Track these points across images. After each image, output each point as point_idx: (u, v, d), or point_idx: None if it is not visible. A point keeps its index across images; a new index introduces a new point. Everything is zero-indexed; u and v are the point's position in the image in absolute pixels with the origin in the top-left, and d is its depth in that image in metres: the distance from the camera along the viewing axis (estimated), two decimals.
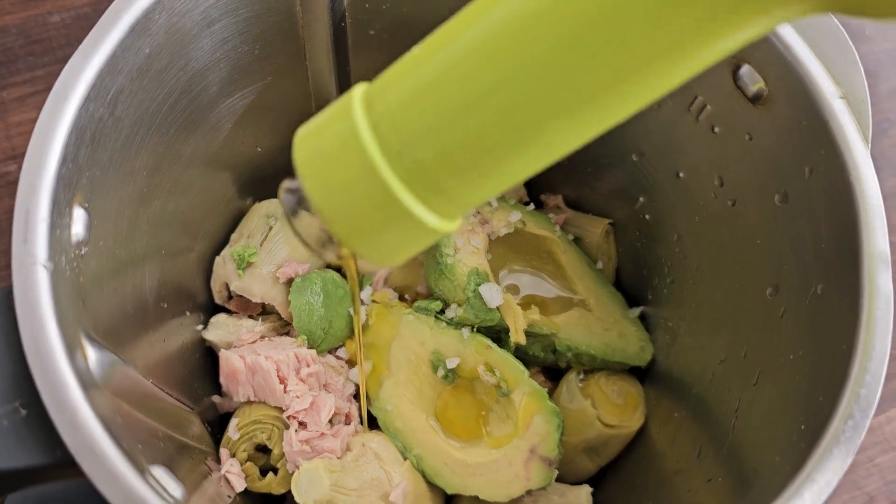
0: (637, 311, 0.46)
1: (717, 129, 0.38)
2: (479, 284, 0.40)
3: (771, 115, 0.35)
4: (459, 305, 0.41)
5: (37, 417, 0.26)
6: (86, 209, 0.30)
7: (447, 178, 0.22)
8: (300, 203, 0.25)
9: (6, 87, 0.55)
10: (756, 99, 0.35)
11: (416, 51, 0.22)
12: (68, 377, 0.25)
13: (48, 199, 0.28)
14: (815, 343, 0.32)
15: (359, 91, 0.23)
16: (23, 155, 0.53)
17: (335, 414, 0.40)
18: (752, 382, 0.36)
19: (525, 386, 0.40)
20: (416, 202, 0.22)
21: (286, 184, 0.25)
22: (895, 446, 0.55)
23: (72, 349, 0.26)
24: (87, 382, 0.26)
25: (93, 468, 0.24)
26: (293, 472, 0.38)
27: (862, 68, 0.33)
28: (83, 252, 0.30)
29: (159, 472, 0.27)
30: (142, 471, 0.25)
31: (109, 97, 0.31)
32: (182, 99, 0.35)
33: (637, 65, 0.19)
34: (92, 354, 0.28)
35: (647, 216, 0.45)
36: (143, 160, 0.34)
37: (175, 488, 0.27)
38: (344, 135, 0.22)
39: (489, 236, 0.43)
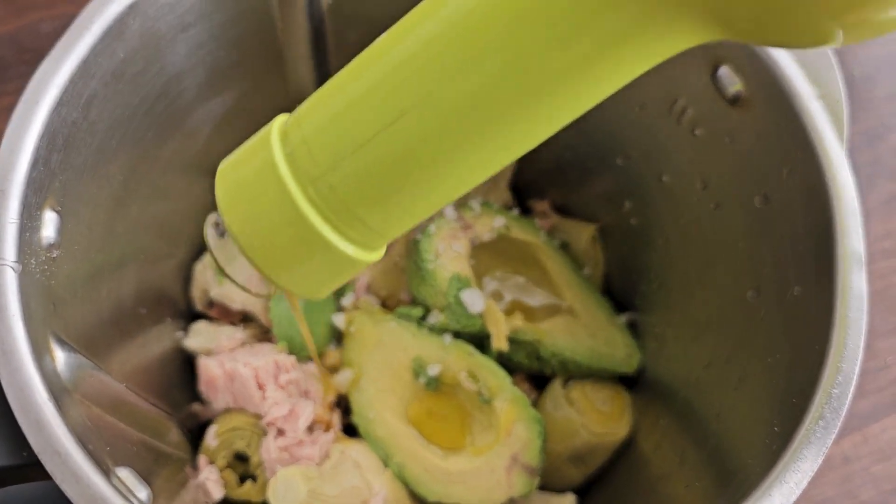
0: (624, 317, 0.45)
1: (697, 132, 0.38)
2: (461, 290, 0.40)
3: (750, 117, 0.35)
4: (441, 311, 0.41)
5: (4, 419, 0.26)
6: (58, 213, 0.30)
7: (360, 206, 0.22)
8: (223, 237, 0.25)
9: None
10: (735, 100, 0.35)
11: (331, 81, 0.23)
12: (34, 379, 0.25)
13: (17, 202, 0.27)
14: (791, 345, 0.31)
15: (278, 122, 0.24)
16: None
17: (315, 422, 0.39)
18: (733, 387, 0.35)
19: (507, 393, 0.39)
20: (333, 231, 0.22)
21: (211, 218, 0.26)
22: (889, 455, 0.55)
23: (40, 352, 0.26)
24: (54, 385, 0.26)
25: (56, 469, 0.24)
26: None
27: (838, 68, 0.33)
28: (55, 255, 0.29)
29: (124, 474, 0.27)
30: (107, 472, 0.25)
31: (83, 101, 0.31)
32: (158, 104, 0.35)
33: (541, 88, 0.19)
34: (61, 358, 0.28)
35: (633, 221, 0.45)
36: (118, 165, 0.34)
37: (141, 490, 0.27)
38: (260, 165, 0.23)
39: (472, 241, 0.42)
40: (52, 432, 0.25)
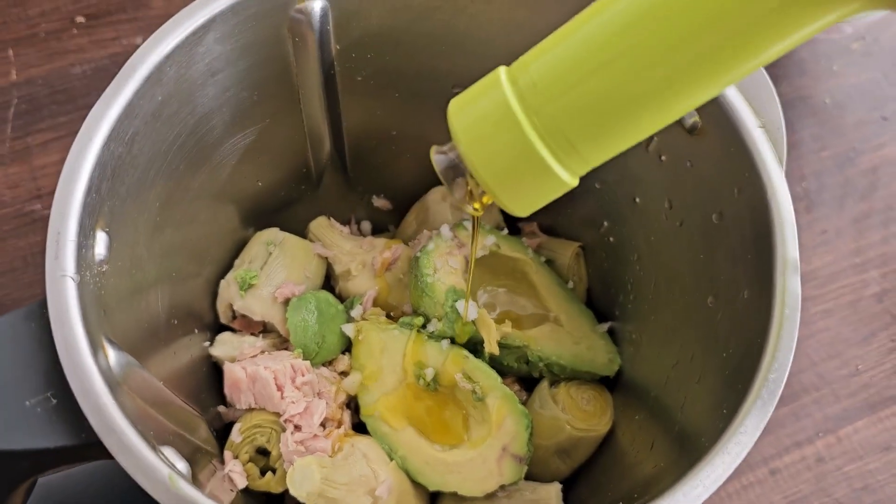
0: (605, 326, 0.50)
1: (663, 158, 0.43)
2: (456, 300, 0.45)
3: (706, 144, 0.40)
4: (439, 320, 0.45)
5: (65, 406, 0.31)
6: (107, 233, 0.35)
7: (574, 132, 0.27)
8: (451, 163, 0.31)
9: (32, 132, 0.61)
10: (692, 130, 0.40)
11: (553, 34, 0.28)
12: (92, 370, 0.30)
13: (76, 223, 0.33)
14: (741, 341, 0.36)
15: (502, 68, 0.29)
16: (48, 195, 0.59)
17: (327, 419, 0.44)
18: (695, 381, 0.40)
19: (498, 391, 0.44)
20: (548, 152, 0.28)
21: (435, 148, 0.32)
22: (861, 455, 0.59)
23: (95, 349, 0.31)
24: (108, 377, 0.31)
25: (114, 444, 0.29)
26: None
27: (778, 101, 0.38)
28: (104, 269, 0.35)
29: (168, 451, 0.31)
30: (153, 448, 0.30)
31: (127, 138, 0.36)
32: (190, 140, 0.40)
33: (733, 36, 0.25)
34: (112, 355, 0.33)
35: (611, 239, 0.50)
36: (156, 193, 0.39)
37: (182, 466, 0.31)
38: (492, 98, 0.28)
39: (466, 258, 0.47)
40: (108, 413, 0.29)
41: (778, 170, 0.37)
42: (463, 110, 0.29)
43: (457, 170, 0.31)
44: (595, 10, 0.27)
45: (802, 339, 0.62)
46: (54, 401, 0.31)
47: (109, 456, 0.30)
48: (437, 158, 0.31)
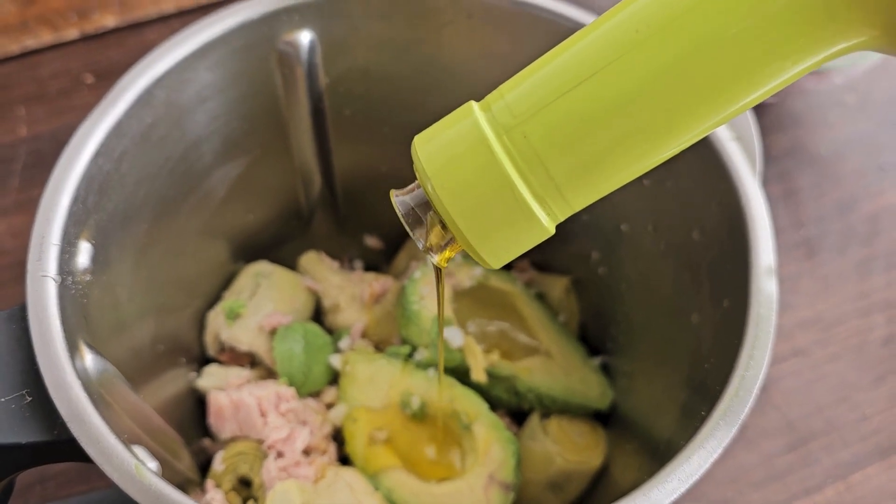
0: (598, 360, 0.50)
1: (645, 182, 0.43)
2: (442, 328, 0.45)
3: (684, 162, 0.40)
4: (426, 348, 0.45)
5: (40, 403, 0.31)
6: (92, 244, 0.36)
7: (548, 155, 0.24)
8: (415, 203, 0.27)
9: (38, 185, 0.63)
10: None
11: (533, 63, 0.26)
12: (66, 363, 0.30)
13: (60, 229, 0.33)
14: (721, 349, 0.36)
15: (472, 102, 0.26)
16: None
17: (312, 448, 0.43)
18: (681, 403, 0.39)
19: (484, 418, 0.43)
20: (523, 183, 0.24)
21: (394, 192, 0.28)
22: (872, 503, 0.57)
23: (73, 349, 0.32)
24: (83, 375, 0.31)
25: (82, 433, 0.29)
26: None
27: (749, 115, 0.39)
28: (88, 279, 0.35)
29: (139, 450, 0.31)
30: (124, 444, 0.30)
31: (116, 155, 0.37)
32: (179, 165, 0.42)
33: (737, 74, 0.23)
34: (90, 358, 0.33)
35: (600, 270, 0.50)
36: (144, 216, 0.40)
37: (153, 465, 0.31)
38: (462, 126, 0.25)
39: (454, 287, 0.48)
40: (79, 404, 0.29)
41: (751, 178, 0.37)
42: (429, 142, 0.26)
43: (421, 212, 0.28)
44: (573, 40, 0.25)
45: (809, 383, 0.60)
46: (29, 398, 0.31)
47: (83, 455, 0.30)
48: (399, 201, 0.28)
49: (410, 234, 0.28)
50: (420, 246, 0.28)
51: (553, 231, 0.26)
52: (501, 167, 0.24)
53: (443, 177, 0.25)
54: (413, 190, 0.28)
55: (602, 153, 0.24)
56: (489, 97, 0.26)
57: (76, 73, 0.70)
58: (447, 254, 0.29)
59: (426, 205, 0.27)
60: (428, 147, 0.26)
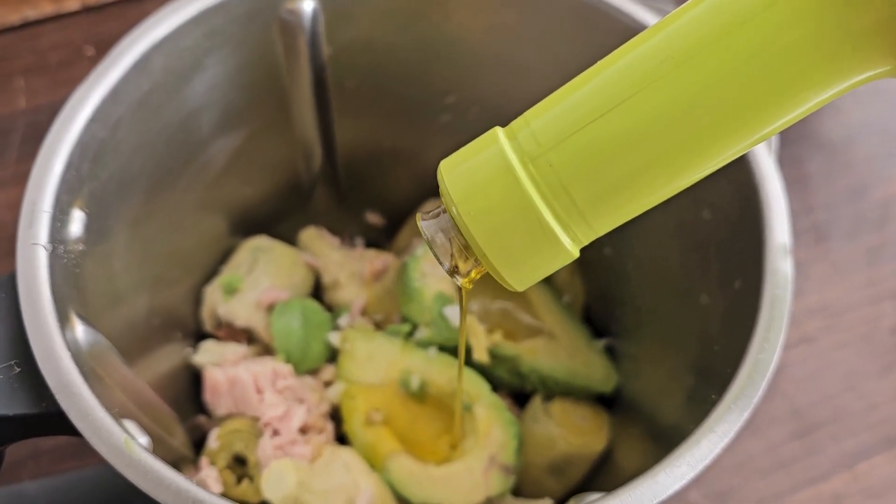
0: (602, 342, 0.49)
1: None
2: (444, 306, 0.44)
3: None
4: (426, 326, 0.44)
5: (28, 374, 0.30)
6: (86, 213, 0.35)
7: (573, 184, 0.24)
8: (440, 227, 0.28)
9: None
10: None
11: (561, 88, 0.26)
12: (56, 333, 0.29)
13: (52, 196, 0.32)
14: (732, 331, 0.35)
15: (499, 128, 0.26)
16: None
17: (309, 426, 0.42)
18: (690, 385, 0.38)
19: (485, 399, 0.42)
20: (549, 211, 0.24)
21: (420, 214, 0.29)
22: (880, 492, 0.56)
23: (63, 319, 0.31)
24: (73, 346, 0.30)
25: (70, 406, 0.28)
26: None
27: None
28: (80, 248, 0.34)
29: (130, 425, 0.30)
30: (114, 418, 0.29)
31: (112, 122, 0.36)
32: (177, 135, 0.41)
33: (749, 101, 0.23)
34: (81, 329, 0.32)
35: (606, 250, 0.49)
36: (140, 185, 0.39)
37: (144, 441, 0.30)
38: (487, 153, 0.25)
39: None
40: (68, 375, 0.28)
41: (766, 155, 0.36)
42: (455, 169, 0.26)
43: (446, 236, 0.28)
44: (598, 68, 0.25)
45: (816, 371, 0.59)
46: (18, 369, 0.30)
47: (72, 429, 0.29)
48: (425, 224, 0.28)
49: (436, 257, 0.28)
50: (445, 268, 0.28)
51: (577, 255, 0.26)
52: (526, 195, 0.24)
53: (468, 203, 0.25)
54: (438, 214, 0.28)
55: (625, 180, 0.24)
56: (514, 124, 0.26)
57: (77, 45, 0.69)
58: (472, 276, 0.29)
59: (451, 229, 0.27)
60: (454, 173, 0.26)
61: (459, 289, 0.34)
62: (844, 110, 0.72)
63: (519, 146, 0.25)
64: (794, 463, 0.56)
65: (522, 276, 0.26)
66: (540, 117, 0.25)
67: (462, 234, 0.26)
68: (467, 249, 0.27)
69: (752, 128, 0.24)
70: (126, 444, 0.27)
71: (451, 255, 0.28)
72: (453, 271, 0.28)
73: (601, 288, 0.50)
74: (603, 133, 0.24)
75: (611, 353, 0.49)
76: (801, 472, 0.56)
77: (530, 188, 0.24)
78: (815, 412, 0.58)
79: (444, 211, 0.27)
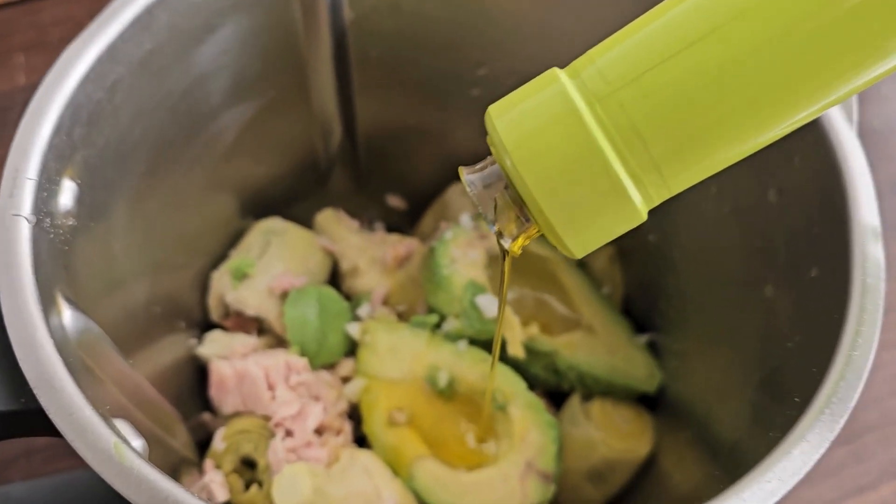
0: (644, 337, 0.45)
1: None
2: (476, 295, 0.40)
3: None
4: (456, 318, 0.40)
5: (4, 365, 0.26)
6: (77, 184, 0.31)
7: (647, 127, 0.21)
8: (490, 181, 0.24)
9: None
10: None
11: (625, 27, 0.22)
12: (37, 318, 0.26)
13: (38, 162, 0.29)
14: (812, 326, 0.31)
15: (555, 69, 0.23)
16: None
17: (324, 427, 0.39)
18: (752, 386, 0.34)
19: (521, 398, 0.38)
20: (615, 155, 0.21)
21: (464, 168, 0.25)
22: None
23: (47, 302, 0.27)
24: (57, 334, 0.26)
25: (51, 403, 0.24)
26: None
27: None
28: (70, 223, 0.30)
29: (122, 424, 0.26)
30: (103, 417, 0.25)
31: (108, 84, 0.32)
32: (182, 102, 0.37)
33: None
34: (68, 315, 0.28)
35: (651, 237, 0.45)
36: (140, 156, 0.35)
37: (138, 444, 0.26)
38: (547, 94, 0.22)
39: (488, 252, 0.43)
40: (50, 368, 0.25)
41: (847, 128, 0.32)
42: (507, 113, 0.23)
43: (495, 192, 0.24)
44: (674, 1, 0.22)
45: None
46: None
47: (53, 430, 0.25)
48: (469, 179, 0.24)
49: (483, 216, 0.25)
50: (492, 230, 0.25)
51: (646, 217, 0.23)
52: (594, 141, 0.21)
53: (524, 151, 0.22)
54: (486, 167, 0.24)
55: (710, 127, 0.21)
56: (576, 63, 0.22)
57: (79, 20, 0.65)
58: (521, 241, 0.25)
59: (501, 183, 0.24)
60: (506, 118, 0.22)
61: (503, 260, 0.30)
62: (887, 98, 0.68)
63: (583, 84, 0.21)
64: (841, 469, 0.53)
65: (584, 238, 0.23)
66: (607, 53, 0.22)
67: (515, 188, 0.23)
68: (519, 207, 0.23)
69: (849, 73, 0.20)
70: (116, 449, 0.23)
71: (501, 215, 0.24)
72: (500, 234, 0.25)
73: (643, 278, 0.46)
74: (684, 69, 0.21)
75: (653, 349, 0.45)
76: (850, 479, 0.52)
77: (597, 133, 0.21)
78: (863, 416, 0.54)
79: (493, 162, 0.24)
